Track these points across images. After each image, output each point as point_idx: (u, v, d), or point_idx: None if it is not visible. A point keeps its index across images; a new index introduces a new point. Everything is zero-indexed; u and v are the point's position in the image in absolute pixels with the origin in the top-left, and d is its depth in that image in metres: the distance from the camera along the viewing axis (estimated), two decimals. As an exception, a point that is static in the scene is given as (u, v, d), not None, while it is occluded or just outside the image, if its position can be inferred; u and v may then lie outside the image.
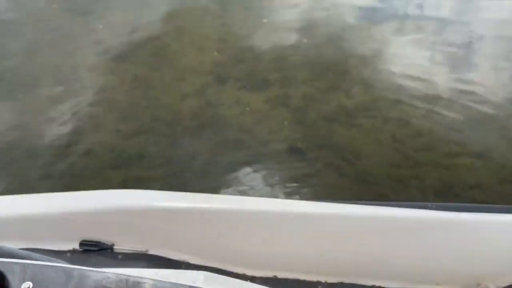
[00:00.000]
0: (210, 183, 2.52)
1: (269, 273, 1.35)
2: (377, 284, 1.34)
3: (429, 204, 1.30)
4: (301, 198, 2.35)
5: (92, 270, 0.79)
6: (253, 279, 1.33)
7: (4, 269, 0.76)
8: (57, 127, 2.83)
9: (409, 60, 3.43)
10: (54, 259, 0.90)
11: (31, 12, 3.81)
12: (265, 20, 3.71)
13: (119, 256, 1.32)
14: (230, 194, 2.45)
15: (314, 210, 1.27)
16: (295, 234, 1.29)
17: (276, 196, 2.43)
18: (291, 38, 3.57)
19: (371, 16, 3.93)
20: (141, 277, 0.79)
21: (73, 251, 1.34)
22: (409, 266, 1.32)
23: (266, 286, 1.02)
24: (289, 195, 2.41)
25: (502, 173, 2.55)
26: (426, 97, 3.08)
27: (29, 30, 3.62)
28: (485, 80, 3.25)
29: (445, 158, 2.61)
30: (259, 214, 1.26)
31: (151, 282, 0.79)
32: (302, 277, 1.35)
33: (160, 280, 0.80)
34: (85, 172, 2.56)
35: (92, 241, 1.33)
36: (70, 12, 3.84)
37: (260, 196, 2.42)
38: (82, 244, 1.33)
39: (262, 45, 3.52)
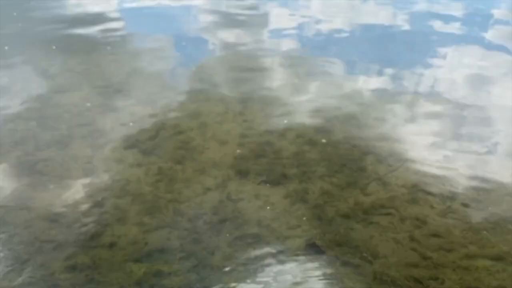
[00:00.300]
0: (228, 279, 2.55)
1: None
2: None
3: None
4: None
5: None
6: None
7: None
8: (83, 218, 2.94)
9: (424, 155, 3.55)
10: None
11: (66, 108, 4.12)
12: (285, 121, 3.94)
13: None
14: (249, 291, 2.47)
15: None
16: None
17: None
18: (309, 136, 3.75)
19: (385, 105, 4.13)
20: None
21: None
22: None
23: None
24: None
25: (524, 276, 2.53)
26: (442, 194, 3.15)
27: (63, 124, 3.88)
28: (502, 176, 3.32)
29: (464, 260, 2.62)
30: None
31: None
32: None
33: None
34: (107, 265, 2.62)
35: None
36: (102, 107, 4.13)
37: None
38: None
39: (281, 141, 3.69)
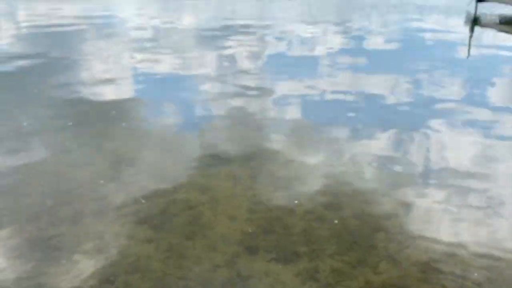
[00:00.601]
0: None
1: None
2: None
3: None
4: None
5: None
6: None
7: None
8: (92, 296, 2.93)
9: (435, 230, 3.54)
10: None
11: (80, 183, 4.22)
12: (296, 201, 3.99)
13: None
14: None
15: None
16: None
17: None
18: (319, 212, 3.79)
19: (392, 178, 4.18)
20: None
21: None
22: None
23: None
24: None
25: None
26: (453, 273, 3.11)
27: (76, 200, 3.97)
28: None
29: None
30: None
31: None
32: None
33: None
34: None
35: None
36: (114, 182, 4.23)
37: None
38: None
39: (290, 217, 3.73)
